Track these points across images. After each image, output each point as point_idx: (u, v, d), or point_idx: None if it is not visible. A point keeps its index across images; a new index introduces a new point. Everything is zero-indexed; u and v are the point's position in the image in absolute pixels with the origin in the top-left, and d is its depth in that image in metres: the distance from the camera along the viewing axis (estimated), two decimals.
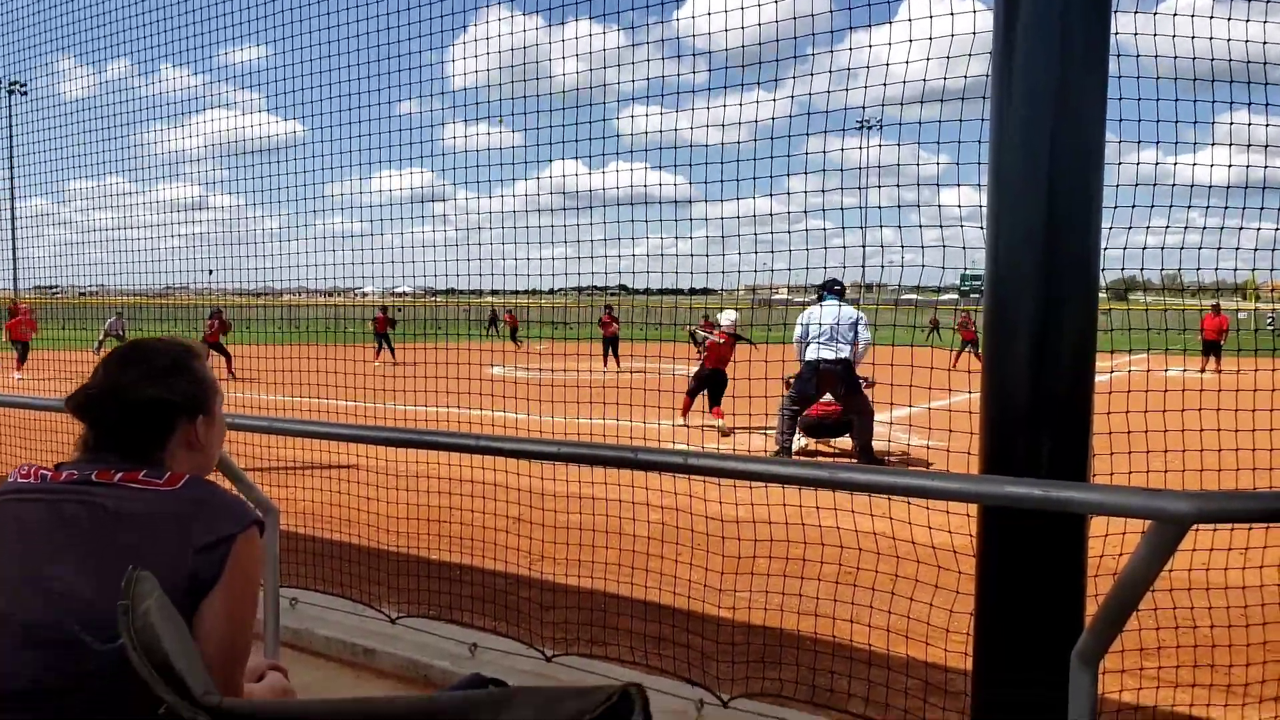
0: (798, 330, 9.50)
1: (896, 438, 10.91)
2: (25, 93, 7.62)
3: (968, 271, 4.10)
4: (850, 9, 3.84)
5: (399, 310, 24.49)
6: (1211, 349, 21.06)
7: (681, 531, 4.67)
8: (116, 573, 1.26)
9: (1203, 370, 19.63)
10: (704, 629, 3.86)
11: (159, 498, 1.50)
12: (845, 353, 9.25)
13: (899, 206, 3.74)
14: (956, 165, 3.47)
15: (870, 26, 3.82)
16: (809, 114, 3.96)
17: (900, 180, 3.80)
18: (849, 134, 4.22)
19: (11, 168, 8.33)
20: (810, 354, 9.32)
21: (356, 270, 5.83)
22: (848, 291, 10.06)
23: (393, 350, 22.67)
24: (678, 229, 4.89)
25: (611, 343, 23.33)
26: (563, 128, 4.76)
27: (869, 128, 5.22)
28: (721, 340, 12.09)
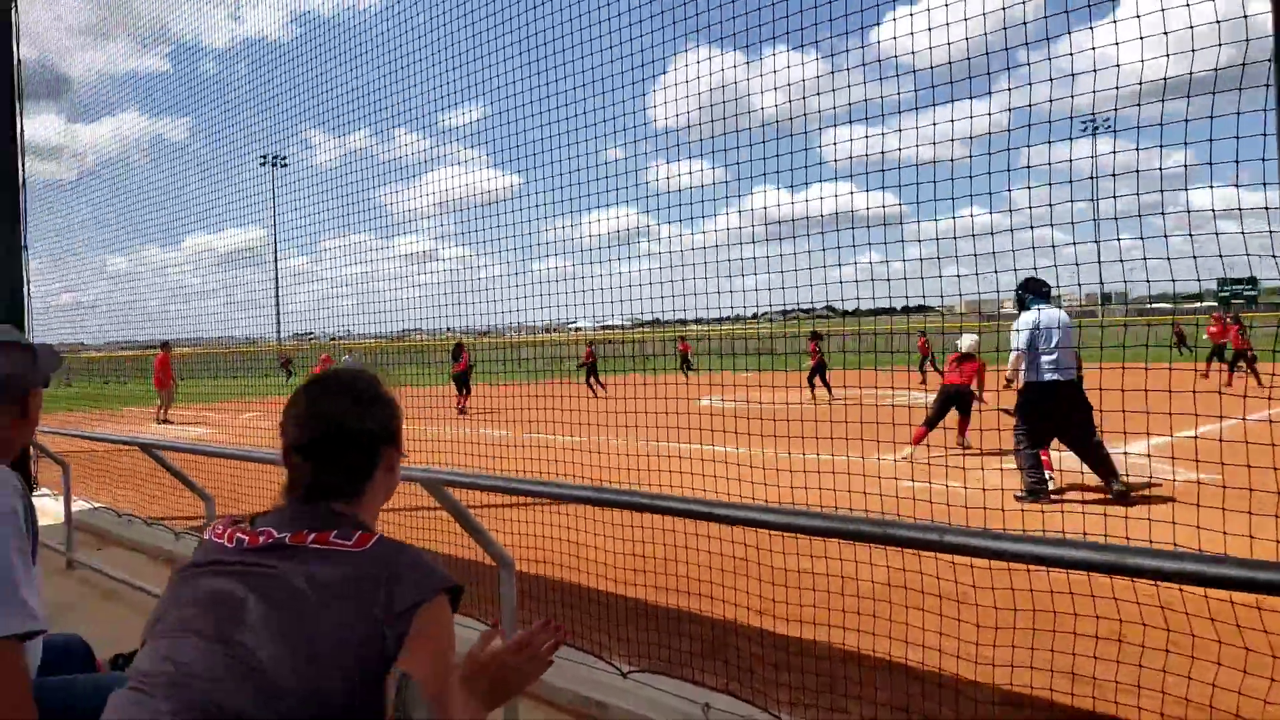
0: (1021, 338, 7.90)
1: (1158, 470, 9.50)
2: (286, 164, 8.44)
3: (1228, 276, 3.61)
4: (1068, 12, 3.51)
5: (604, 345, 25.15)
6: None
7: (925, 578, 4.34)
8: (303, 649, 1.35)
9: None
10: (955, 699, 3.56)
11: (349, 561, 1.47)
12: (1073, 369, 7.86)
13: (1140, 216, 3.37)
14: (1209, 165, 3.08)
15: (1091, 27, 3.48)
16: (1029, 124, 3.63)
17: (1139, 186, 3.39)
18: (1075, 140, 3.85)
19: (275, 230, 9.25)
20: (1045, 373, 7.81)
21: (570, 301, 5.96)
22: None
23: (600, 383, 23.35)
24: (887, 251, 4.63)
25: (819, 370, 22.32)
26: (763, 160, 4.65)
27: (1096, 131, 4.73)
28: (954, 369, 11.34)
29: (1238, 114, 2.85)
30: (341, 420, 1.64)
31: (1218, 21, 2.92)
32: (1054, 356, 7.80)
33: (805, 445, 5.22)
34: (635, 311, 5.79)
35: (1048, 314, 8.02)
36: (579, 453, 7.75)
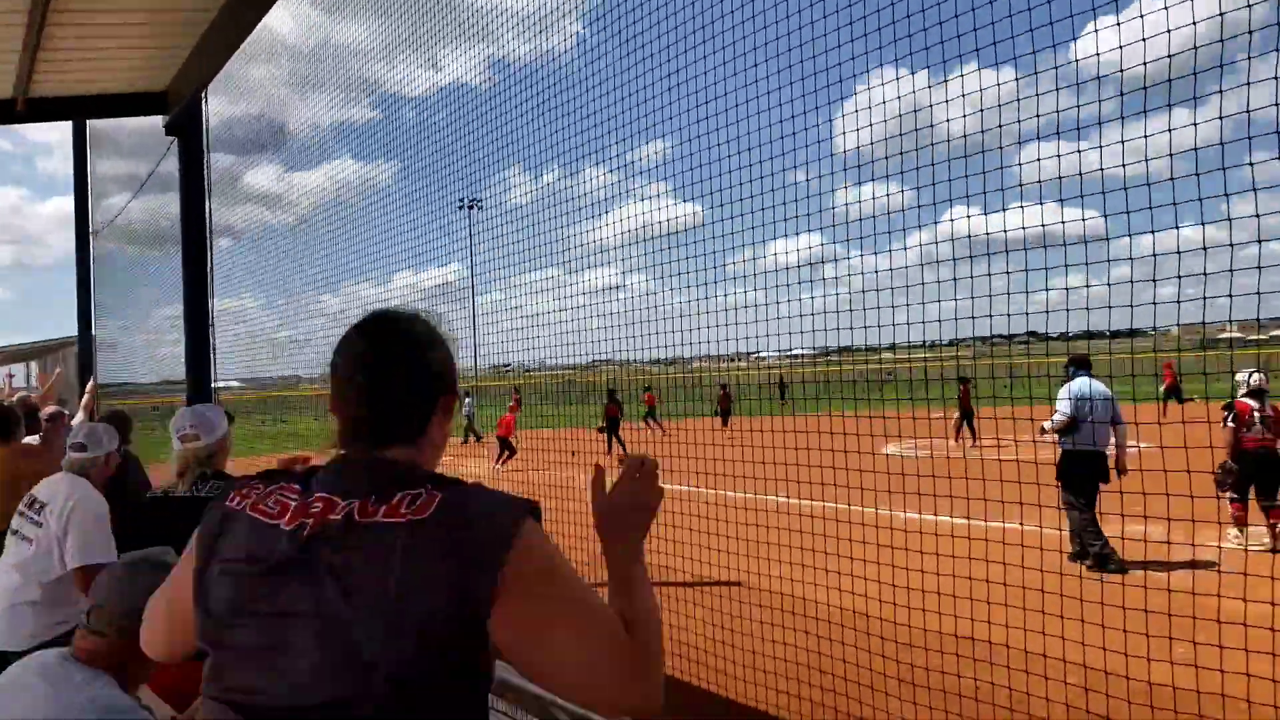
0: (1068, 407, 8.69)
1: None
2: (482, 207, 9.10)
3: None
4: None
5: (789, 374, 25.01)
6: None
7: None
8: (406, 642, 1.24)
9: None
10: None
11: (421, 534, 1.31)
12: (1107, 443, 8.70)
13: None
14: None
15: None
16: (1248, 135, 3.40)
17: None
18: None
19: (472, 269, 9.95)
20: (1091, 440, 8.61)
21: (755, 330, 6.04)
22: None
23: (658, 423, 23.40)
24: (1088, 271, 4.43)
25: (967, 417, 21.10)
26: (949, 181, 4.59)
27: None
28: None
29: None
30: (402, 360, 1.51)
31: None
32: (1092, 430, 8.61)
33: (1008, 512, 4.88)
34: (822, 341, 5.80)
35: (1096, 385, 8.74)
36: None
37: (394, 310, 1.60)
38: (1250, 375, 9.82)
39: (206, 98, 7.74)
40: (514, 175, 9.03)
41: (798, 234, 5.74)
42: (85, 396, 9.79)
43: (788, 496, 6.20)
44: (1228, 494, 9.42)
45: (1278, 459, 9.39)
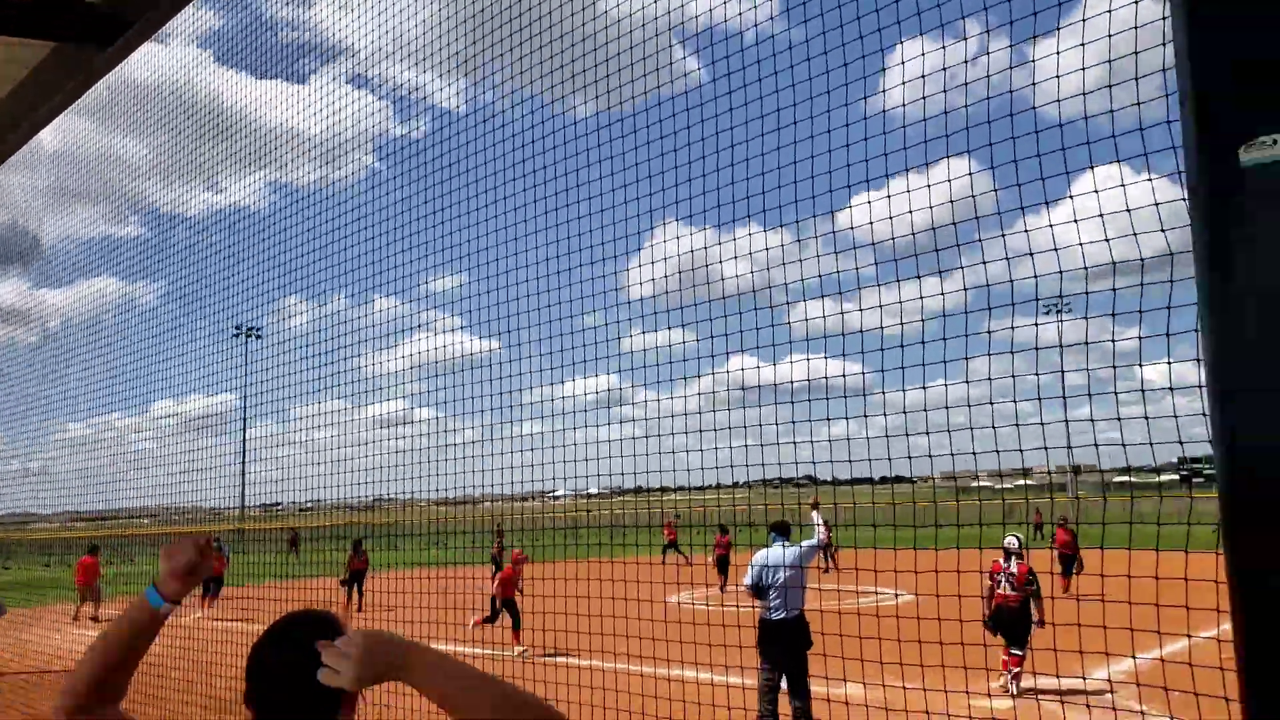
0: (749, 576, 8.87)
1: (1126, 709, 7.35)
2: (260, 337, 8.66)
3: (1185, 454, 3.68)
4: (1019, 185, 3.80)
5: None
6: None
7: None
8: None
9: None
10: None
11: None
12: (795, 608, 8.65)
13: (1114, 392, 3.50)
14: (1166, 336, 3.24)
15: (1046, 204, 3.74)
16: (989, 305, 3.83)
17: (1102, 358, 3.56)
18: (1028, 318, 4.06)
19: (245, 399, 9.34)
20: (773, 612, 8.66)
21: (547, 472, 5.97)
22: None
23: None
24: (865, 421, 4.74)
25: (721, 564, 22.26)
26: (741, 333, 4.85)
27: (1059, 310, 4.99)
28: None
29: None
30: (290, 671, 1.52)
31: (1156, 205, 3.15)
32: (780, 596, 8.61)
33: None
34: (615, 480, 5.82)
35: (774, 552, 8.80)
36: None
37: (296, 619, 1.68)
38: (1006, 538, 11.07)
39: None
40: (296, 303, 8.70)
41: (594, 375, 5.83)
42: None
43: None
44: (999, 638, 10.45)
45: (1017, 614, 10.52)
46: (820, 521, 9.45)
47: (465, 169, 6.07)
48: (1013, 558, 10.93)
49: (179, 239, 9.24)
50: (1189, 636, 3.67)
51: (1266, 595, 1.40)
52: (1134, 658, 7.49)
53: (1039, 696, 9.18)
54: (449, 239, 6.43)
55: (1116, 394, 3.61)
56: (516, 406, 6.30)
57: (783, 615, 8.68)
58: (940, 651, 4.03)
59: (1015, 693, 10.17)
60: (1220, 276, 1.49)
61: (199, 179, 8.40)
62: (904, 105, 4.05)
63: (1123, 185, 3.20)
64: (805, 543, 9.13)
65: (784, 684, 8.62)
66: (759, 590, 8.83)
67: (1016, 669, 10.36)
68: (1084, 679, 5.33)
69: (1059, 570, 19.09)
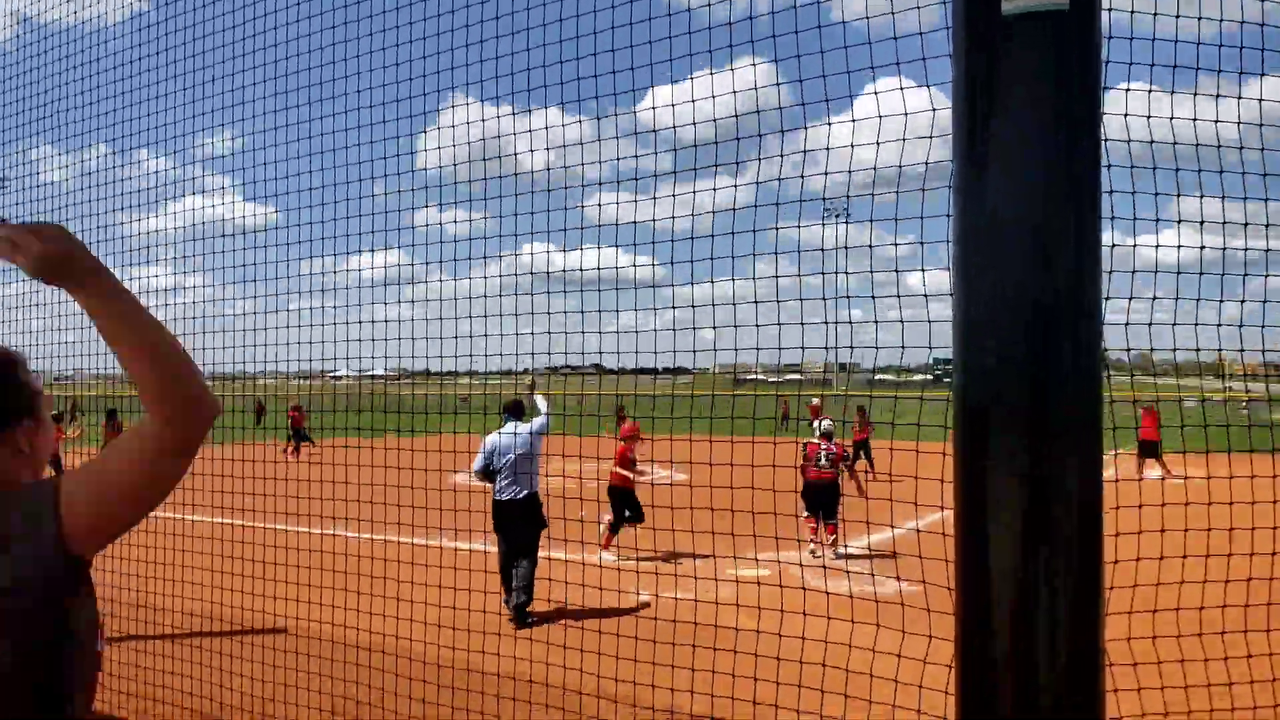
0: (478, 460, 8.96)
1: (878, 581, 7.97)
2: (5, 188, 7.63)
3: (936, 355, 4.08)
4: (804, 104, 3.96)
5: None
6: (1150, 451, 18.71)
7: None
8: None
9: (1140, 477, 16.43)
10: None
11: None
12: (527, 487, 8.82)
13: (873, 297, 3.78)
14: (921, 245, 3.53)
15: (829, 120, 3.91)
16: (778, 202, 4.01)
17: (871, 263, 3.84)
18: (814, 219, 4.30)
19: None
20: (502, 492, 8.84)
21: (329, 351, 5.74)
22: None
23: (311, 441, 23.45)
24: (655, 313, 4.90)
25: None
26: (531, 215, 4.81)
27: (836, 215, 5.32)
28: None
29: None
30: None
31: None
32: (509, 477, 8.77)
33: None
34: (405, 364, 5.69)
35: (505, 434, 8.96)
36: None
37: None
38: (820, 422, 12.51)
39: None
40: (49, 152, 7.71)
41: (381, 249, 5.61)
42: None
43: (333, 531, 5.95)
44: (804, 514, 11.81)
45: (830, 489, 11.84)
46: (543, 405, 9.30)
47: (245, 18, 5.52)
48: (830, 439, 12.22)
49: None
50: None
51: (978, 478, 1.62)
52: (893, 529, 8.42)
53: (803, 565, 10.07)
54: (223, 97, 5.87)
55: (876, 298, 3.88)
56: (294, 277, 5.98)
57: (512, 495, 8.79)
58: (711, 519, 4.33)
59: (833, 559, 11.03)
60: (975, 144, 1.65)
61: None
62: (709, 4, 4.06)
63: (901, 90, 3.41)
64: (535, 420, 9.12)
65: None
66: (488, 474, 8.93)
67: (833, 536, 11.60)
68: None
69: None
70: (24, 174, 7.67)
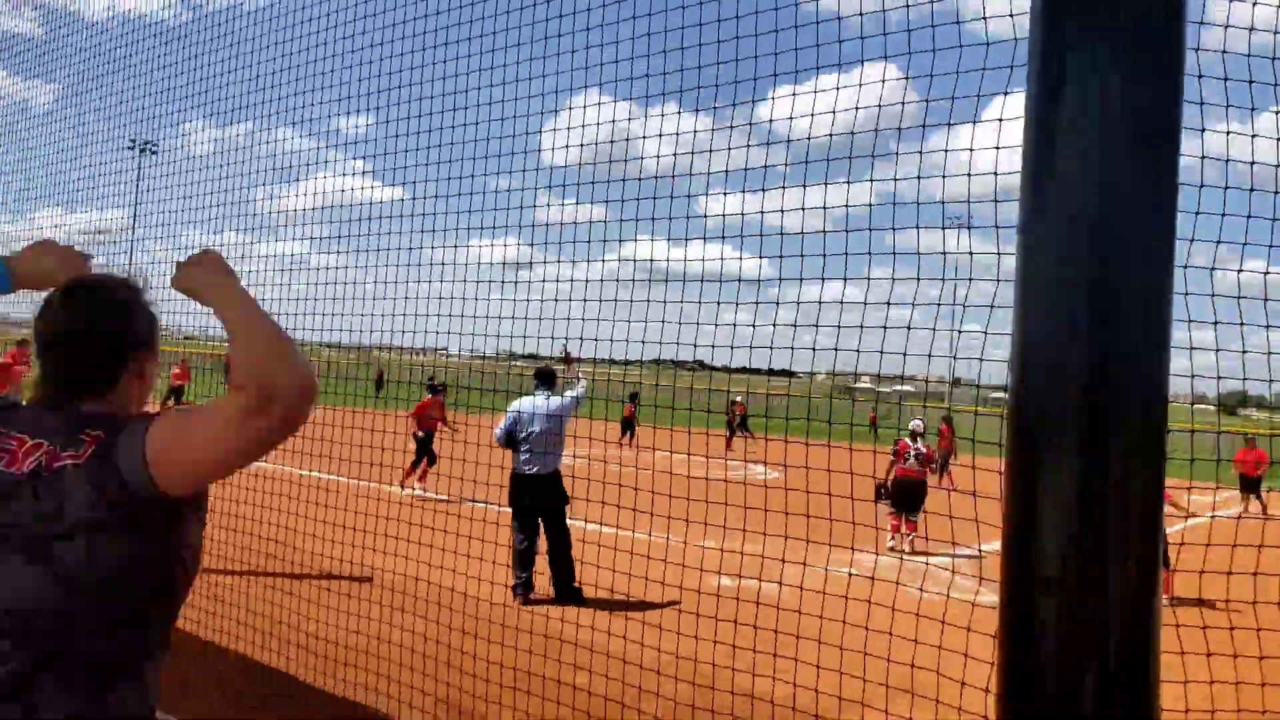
0: (500, 427, 8.13)
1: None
2: (156, 152, 8.15)
3: None
4: (927, 102, 3.86)
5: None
6: (1250, 486, 18.81)
7: None
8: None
9: (1243, 514, 17.34)
10: None
11: (93, 474, 1.58)
12: (552, 464, 8.06)
13: (991, 306, 3.67)
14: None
15: (949, 125, 3.81)
16: (894, 204, 3.93)
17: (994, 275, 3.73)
18: (934, 229, 4.19)
19: (134, 219, 8.89)
20: (524, 465, 8.08)
21: (443, 325, 5.90)
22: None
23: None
24: (757, 309, 4.85)
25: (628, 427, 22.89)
26: (644, 200, 4.86)
27: (960, 226, 5.18)
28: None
29: None
30: (91, 323, 1.75)
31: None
32: (531, 449, 8.06)
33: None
34: (507, 346, 5.81)
35: (535, 401, 8.21)
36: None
37: (92, 280, 1.83)
38: (912, 421, 12.63)
39: None
40: (198, 124, 8.22)
41: (501, 241, 5.73)
42: None
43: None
44: (885, 505, 11.89)
45: (917, 488, 11.88)
46: (583, 385, 8.41)
47: (387, 5, 5.76)
48: (919, 438, 12.31)
49: (75, 42, 8.52)
50: None
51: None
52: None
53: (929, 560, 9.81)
54: (361, 84, 6.14)
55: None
56: (425, 264, 6.20)
57: (535, 469, 8.05)
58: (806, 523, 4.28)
59: (909, 551, 11.07)
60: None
61: None
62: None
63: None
64: (568, 393, 8.30)
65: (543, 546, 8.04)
66: (511, 440, 8.15)
67: (912, 534, 11.53)
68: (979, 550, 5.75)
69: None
70: (175, 145, 8.20)
